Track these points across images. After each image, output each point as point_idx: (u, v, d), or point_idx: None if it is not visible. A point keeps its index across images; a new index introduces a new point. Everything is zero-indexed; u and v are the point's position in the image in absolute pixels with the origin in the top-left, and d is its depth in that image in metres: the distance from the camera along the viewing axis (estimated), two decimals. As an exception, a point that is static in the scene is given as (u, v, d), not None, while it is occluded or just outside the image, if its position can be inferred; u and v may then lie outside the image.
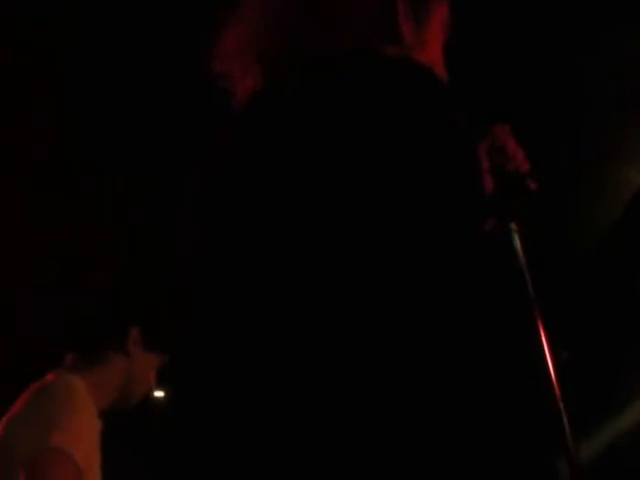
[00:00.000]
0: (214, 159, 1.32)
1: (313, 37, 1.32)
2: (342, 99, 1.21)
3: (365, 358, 1.10)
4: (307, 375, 1.11)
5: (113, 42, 3.46)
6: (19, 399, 1.93)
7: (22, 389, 1.96)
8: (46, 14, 3.29)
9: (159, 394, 6.56)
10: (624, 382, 5.61)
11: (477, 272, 1.17)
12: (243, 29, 1.41)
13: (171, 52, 3.43)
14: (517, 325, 1.24)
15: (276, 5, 1.39)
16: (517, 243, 1.27)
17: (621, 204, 4.64)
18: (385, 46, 1.29)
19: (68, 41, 3.43)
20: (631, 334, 5.12)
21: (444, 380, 1.10)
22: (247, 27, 1.40)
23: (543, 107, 3.72)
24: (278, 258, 1.17)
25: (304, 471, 1.08)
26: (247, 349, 1.16)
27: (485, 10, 3.06)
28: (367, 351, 1.10)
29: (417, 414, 1.07)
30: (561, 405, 1.23)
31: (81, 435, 1.80)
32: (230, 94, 1.40)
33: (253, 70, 1.36)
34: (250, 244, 1.20)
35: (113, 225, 4.27)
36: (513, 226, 1.28)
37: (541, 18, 3.36)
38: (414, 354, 1.10)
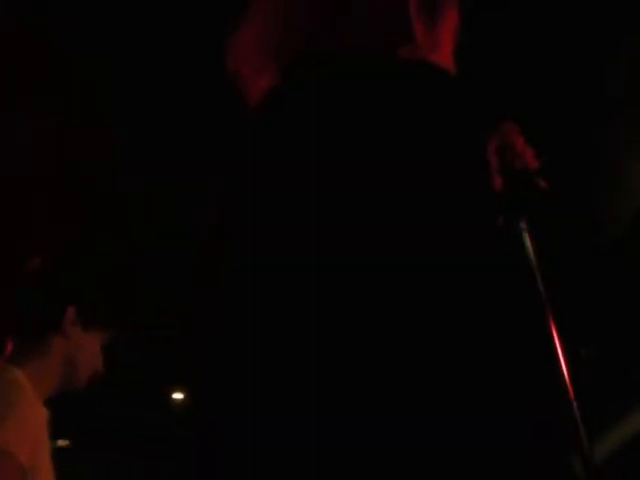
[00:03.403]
0: (235, 158, 1.33)
1: (330, 36, 1.32)
2: (359, 99, 1.22)
3: (377, 354, 1.11)
4: (324, 374, 1.12)
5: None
6: None
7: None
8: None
9: (178, 396, 6.58)
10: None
11: (488, 270, 1.16)
12: (256, 27, 1.41)
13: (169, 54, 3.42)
14: (529, 323, 1.24)
15: (292, 4, 1.39)
16: (527, 241, 1.27)
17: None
18: (398, 45, 1.30)
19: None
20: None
21: (454, 380, 1.10)
22: (261, 25, 1.41)
23: (556, 103, 3.72)
24: (302, 254, 1.17)
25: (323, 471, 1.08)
26: (268, 351, 1.16)
27: (493, 9, 3.07)
28: (378, 347, 1.11)
29: (427, 412, 1.08)
30: (574, 404, 1.23)
31: (26, 431, 1.77)
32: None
33: (268, 68, 1.36)
34: (272, 243, 1.21)
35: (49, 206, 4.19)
36: (522, 224, 1.28)
37: (547, 16, 3.37)
38: (426, 351, 1.11)
